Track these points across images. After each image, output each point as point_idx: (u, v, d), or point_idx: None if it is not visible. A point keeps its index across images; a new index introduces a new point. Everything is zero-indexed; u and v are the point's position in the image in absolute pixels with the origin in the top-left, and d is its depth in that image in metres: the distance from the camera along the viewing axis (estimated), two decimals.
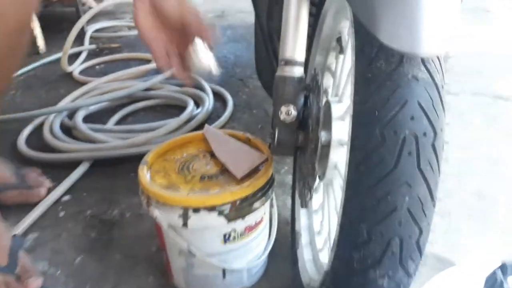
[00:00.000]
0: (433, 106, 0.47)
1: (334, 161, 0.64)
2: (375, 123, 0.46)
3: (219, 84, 1.61)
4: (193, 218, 0.69)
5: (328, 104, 0.66)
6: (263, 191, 0.73)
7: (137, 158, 0.83)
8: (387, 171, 0.46)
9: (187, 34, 0.68)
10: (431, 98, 0.47)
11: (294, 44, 0.67)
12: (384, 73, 0.46)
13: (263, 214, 0.77)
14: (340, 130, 0.63)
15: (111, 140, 1.25)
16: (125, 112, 1.46)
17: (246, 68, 1.84)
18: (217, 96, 1.54)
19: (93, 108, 1.45)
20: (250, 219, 0.73)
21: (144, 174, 0.75)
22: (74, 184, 1.12)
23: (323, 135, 0.64)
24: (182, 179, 0.75)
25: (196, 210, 0.69)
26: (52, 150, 1.22)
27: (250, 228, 0.75)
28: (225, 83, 1.64)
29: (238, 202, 0.70)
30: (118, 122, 1.42)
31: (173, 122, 1.30)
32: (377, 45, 0.46)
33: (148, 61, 1.87)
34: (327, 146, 0.63)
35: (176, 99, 1.50)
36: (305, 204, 0.71)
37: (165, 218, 0.71)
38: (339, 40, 0.77)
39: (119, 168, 1.17)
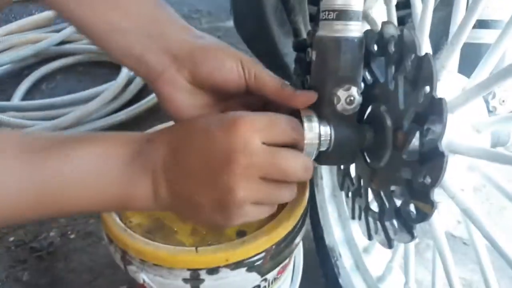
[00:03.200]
0: None
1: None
2: None
3: None
4: (209, 280, 0.44)
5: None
6: (302, 220, 0.49)
7: None
8: None
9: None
10: None
11: None
12: None
13: None
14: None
15: (22, 122, 0.91)
16: (35, 77, 1.09)
17: None
18: None
19: None
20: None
21: None
22: None
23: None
24: None
25: (213, 270, 0.43)
26: None
27: (281, 271, 0.51)
28: None
29: (274, 247, 0.45)
30: (28, 93, 1.06)
31: (108, 90, 0.98)
32: None
33: None
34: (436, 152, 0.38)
35: (103, 54, 1.15)
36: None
37: (160, 283, 0.45)
38: None
39: None
